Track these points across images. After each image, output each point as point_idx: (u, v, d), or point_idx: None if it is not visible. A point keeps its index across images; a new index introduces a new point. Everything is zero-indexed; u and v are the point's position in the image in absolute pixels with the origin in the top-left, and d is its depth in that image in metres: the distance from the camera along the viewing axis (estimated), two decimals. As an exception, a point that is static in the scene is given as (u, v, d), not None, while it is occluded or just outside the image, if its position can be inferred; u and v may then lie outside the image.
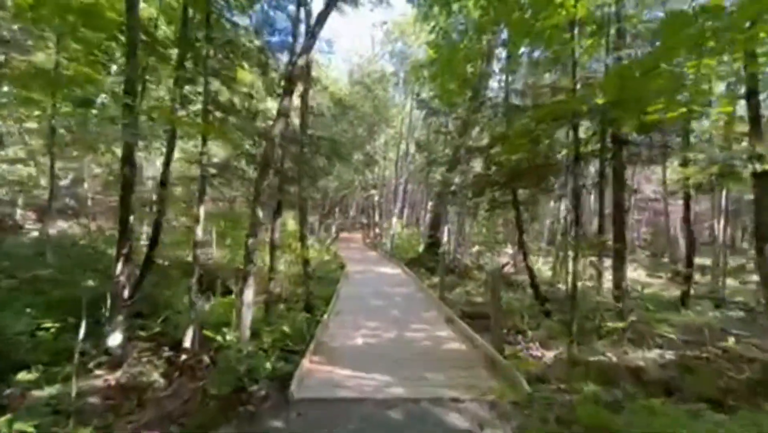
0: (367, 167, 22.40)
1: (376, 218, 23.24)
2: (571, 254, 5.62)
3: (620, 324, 5.51)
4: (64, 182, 13.61)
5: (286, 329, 4.33)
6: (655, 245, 24.43)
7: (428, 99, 11.29)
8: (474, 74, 9.43)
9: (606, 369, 4.53)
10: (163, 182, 6.34)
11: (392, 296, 8.05)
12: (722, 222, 13.60)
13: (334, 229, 26.15)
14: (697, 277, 13.72)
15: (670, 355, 5.14)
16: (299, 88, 6.87)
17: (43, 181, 11.47)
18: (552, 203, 15.75)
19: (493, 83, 10.18)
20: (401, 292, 8.63)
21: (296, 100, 7.88)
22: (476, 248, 20.67)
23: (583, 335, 5.87)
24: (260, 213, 3.71)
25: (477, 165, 12.66)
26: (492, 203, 9.41)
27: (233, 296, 7.96)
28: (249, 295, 3.70)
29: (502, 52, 9.53)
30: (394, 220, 17.34)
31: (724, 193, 12.88)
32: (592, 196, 16.02)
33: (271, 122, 7.26)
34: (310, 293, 7.98)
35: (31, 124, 9.60)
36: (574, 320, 5.06)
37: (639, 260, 20.13)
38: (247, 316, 3.66)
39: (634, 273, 16.95)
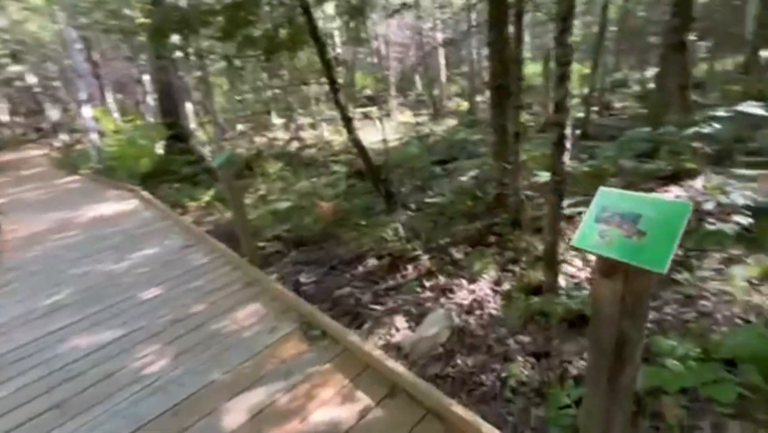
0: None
1: (53, 113, 13.61)
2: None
3: None
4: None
5: None
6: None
7: None
8: None
9: None
10: None
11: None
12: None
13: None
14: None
15: None
16: None
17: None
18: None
19: None
20: (165, 291, 3.98)
21: None
22: (240, 128, 15.90)
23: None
24: None
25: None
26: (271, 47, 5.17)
27: None
28: None
29: None
30: (88, 110, 9.88)
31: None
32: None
33: None
34: None
35: None
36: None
37: (400, 101, 20.36)
38: None
39: (403, 116, 16.84)
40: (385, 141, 8.15)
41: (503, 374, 2.38)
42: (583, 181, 4.51)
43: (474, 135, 10.19)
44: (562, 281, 3.02)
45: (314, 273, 4.46)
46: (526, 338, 2.66)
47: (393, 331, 3.11)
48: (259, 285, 3.21)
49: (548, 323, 2.66)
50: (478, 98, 14.47)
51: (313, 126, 13.61)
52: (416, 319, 3.20)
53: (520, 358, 2.48)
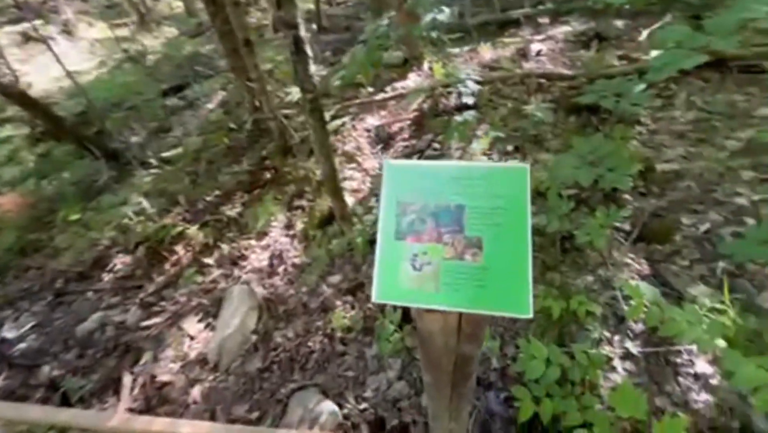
0: None
1: None
2: None
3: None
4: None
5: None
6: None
7: None
8: None
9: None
10: None
11: None
12: None
13: None
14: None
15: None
16: None
17: None
18: None
19: None
20: None
21: None
22: None
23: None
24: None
25: None
26: None
27: None
28: None
29: None
30: None
31: None
32: None
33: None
34: None
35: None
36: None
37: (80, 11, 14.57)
38: None
39: (94, 30, 12.38)
40: (70, 74, 5.56)
41: (329, 329, 2.19)
42: (337, 92, 4.28)
43: (205, 46, 8.34)
44: (349, 199, 2.89)
45: (29, 315, 2.90)
46: (337, 277, 2.49)
47: (187, 343, 2.39)
48: None
49: (352, 252, 2.54)
50: (194, -5, 11.64)
51: None
52: (213, 311, 2.54)
53: (338, 303, 2.31)
